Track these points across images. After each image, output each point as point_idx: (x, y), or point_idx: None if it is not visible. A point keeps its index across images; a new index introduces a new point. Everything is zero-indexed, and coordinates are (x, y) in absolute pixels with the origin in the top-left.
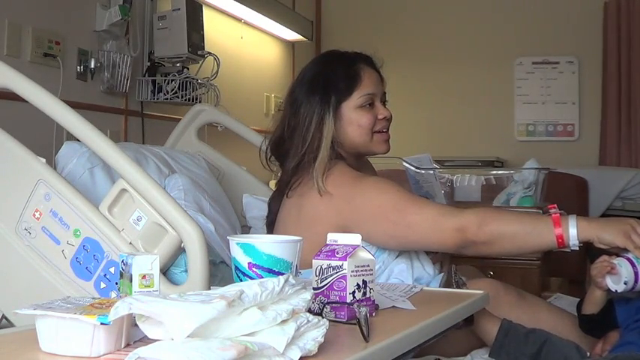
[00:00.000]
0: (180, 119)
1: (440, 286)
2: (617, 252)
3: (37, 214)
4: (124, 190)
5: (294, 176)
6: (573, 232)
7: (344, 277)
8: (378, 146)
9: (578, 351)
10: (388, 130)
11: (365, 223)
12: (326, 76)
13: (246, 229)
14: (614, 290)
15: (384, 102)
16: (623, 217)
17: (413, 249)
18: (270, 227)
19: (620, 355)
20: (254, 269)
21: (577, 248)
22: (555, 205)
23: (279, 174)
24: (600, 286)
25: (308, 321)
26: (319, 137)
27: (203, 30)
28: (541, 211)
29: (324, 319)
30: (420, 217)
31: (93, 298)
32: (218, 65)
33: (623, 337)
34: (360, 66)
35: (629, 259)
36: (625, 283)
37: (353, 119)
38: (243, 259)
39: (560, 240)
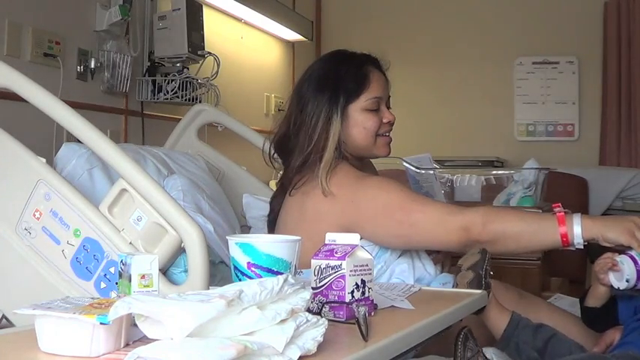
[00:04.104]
0: (181, 119)
1: (454, 286)
2: (621, 250)
3: (37, 214)
4: (124, 190)
5: (298, 175)
6: (578, 230)
7: (343, 277)
8: (380, 149)
9: (582, 350)
10: (390, 133)
11: (369, 223)
12: (336, 75)
13: (246, 229)
14: (616, 287)
15: (388, 105)
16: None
17: (417, 248)
18: (272, 226)
19: (617, 354)
20: (253, 269)
21: (581, 247)
22: (559, 204)
23: (280, 173)
24: (603, 283)
25: (307, 320)
26: (325, 137)
27: (203, 30)
28: (540, 211)
29: (323, 319)
30: (424, 215)
31: (92, 298)
32: (218, 65)
33: (623, 336)
34: (369, 68)
35: (632, 257)
36: (627, 281)
37: (359, 121)
38: (242, 259)
39: (564, 239)
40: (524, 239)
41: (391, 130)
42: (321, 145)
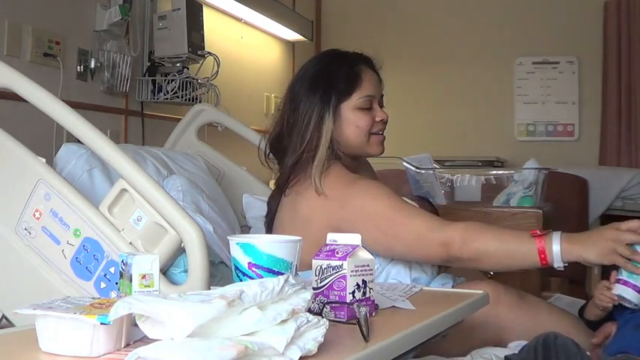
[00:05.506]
0: (181, 119)
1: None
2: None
3: (37, 214)
4: (124, 190)
5: (292, 174)
6: (557, 255)
7: (344, 277)
8: (373, 148)
9: (578, 349)
10: (384, 132)
11: (355, 228)
12: (327, 75)
13: (246, 229)
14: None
15: (381, 104)
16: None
17: (400, 259)
18: (270, 226)
19: (614, 358)
20: (254, 269)
21: (562, 269)
22: (536, 231)
23: (277, 172)
24: (606, 311)
25: (308, 321)
26: (318, 136)
27: (203, 30)
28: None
29: (324, 319)
30: (406, 229)
31: (93, 298)
32: (218, 65)
33: (618, 329)
34: (361, 67)
35: (625, 283)
36: (635, 305)
37: (351, 120)
38: (243, 259)
39: (543, 262)
40: (503, 259)
41: (385, 128)
42: (313, 144)
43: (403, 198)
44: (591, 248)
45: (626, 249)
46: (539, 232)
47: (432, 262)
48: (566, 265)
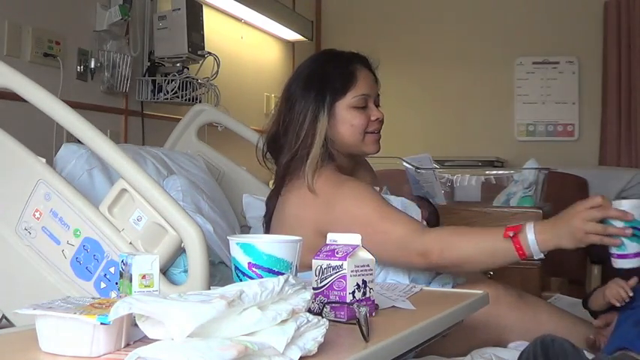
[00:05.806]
0: (181, 119)
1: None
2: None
3: (37, 214)
4: (124, 190)
5: (287, 174)
6: (535, 247)
7: (344, 277)
8: (369, 147)
9: (574, 349)
10: (380, 131)
11: (343, 231)
12: (322, 74)
13: (246, 229)
14: None
15: (377, 103)
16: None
17: (388, 265)
18: (268, 226)
19: (612, 357)
20: (254, 269)
21: (543, 257)
22: (508, 234)
23: (275, 172)
24: (613, 305)
25: (308, 321)
26: (312, 134)
27: (203, 30)
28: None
29: (324, 319)
30: (387, 237)
31: (93, 298)
32: (218, 65)
33: (617, 323)
34: (356, 66)
35: (619, 256)
36: None
37: (346, 119)
38: (243, 259)
39: (523, 257)
40: (483, 260)
41: (380, 127)
42: (308, 142)
43: (383, 196)
44: (564, 234)
45: (596, 226)
46: (511, 234)
47: (415, 269)
48: (546, 254)
